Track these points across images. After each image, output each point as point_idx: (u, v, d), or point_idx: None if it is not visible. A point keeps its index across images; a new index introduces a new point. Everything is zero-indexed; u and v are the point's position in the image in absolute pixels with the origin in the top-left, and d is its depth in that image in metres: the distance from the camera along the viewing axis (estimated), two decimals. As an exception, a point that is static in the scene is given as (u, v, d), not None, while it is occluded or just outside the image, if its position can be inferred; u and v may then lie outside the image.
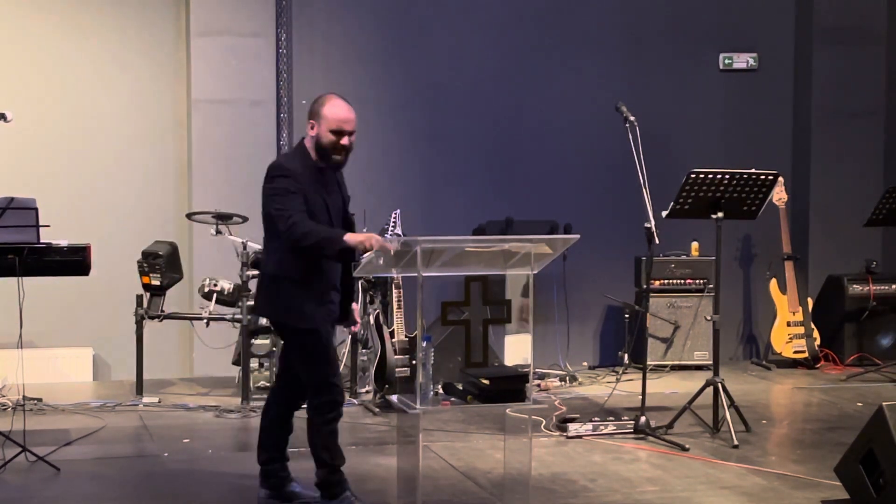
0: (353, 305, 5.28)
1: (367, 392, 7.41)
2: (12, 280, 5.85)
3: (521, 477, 5.25)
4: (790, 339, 8.71)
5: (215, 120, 8.34)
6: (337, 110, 4.97)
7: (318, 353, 5.03)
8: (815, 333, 8.75)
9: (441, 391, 4.99)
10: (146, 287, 7.42)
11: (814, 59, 9.27)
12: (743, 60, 9.34)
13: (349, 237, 4.78)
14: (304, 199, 4.88)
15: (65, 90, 8.27)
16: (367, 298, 7.36)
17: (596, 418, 6.62)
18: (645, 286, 7.27)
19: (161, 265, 7.37)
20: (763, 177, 6.54)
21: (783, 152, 9.41)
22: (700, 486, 5.52)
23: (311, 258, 4.88)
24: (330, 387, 5.01)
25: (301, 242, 4.80)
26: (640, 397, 6.62)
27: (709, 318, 7.04)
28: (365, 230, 7.50)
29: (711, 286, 8.29)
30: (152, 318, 7.44)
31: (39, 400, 7.11)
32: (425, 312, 4.81)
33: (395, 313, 7.15)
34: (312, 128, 5.00)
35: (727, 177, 6.48)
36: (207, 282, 7.49)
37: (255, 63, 8.39)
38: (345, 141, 4.97)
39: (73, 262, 6.06)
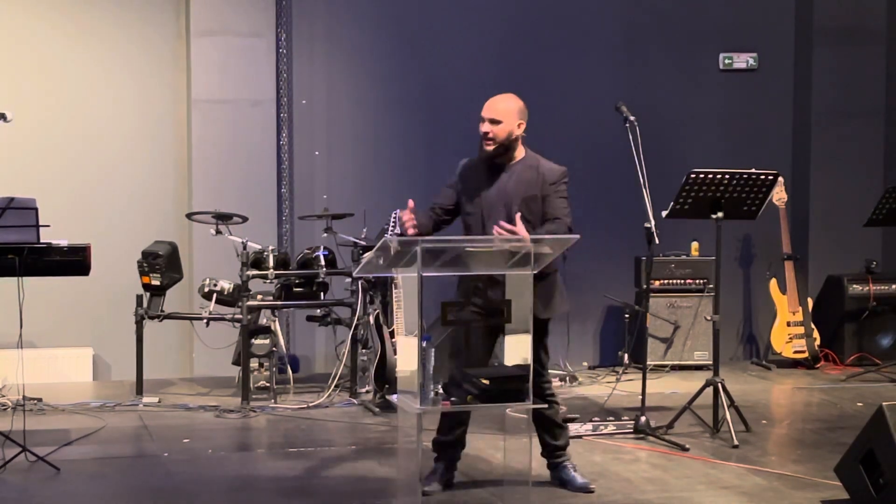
0: None
1: (367, 392, 7.41)
2: (12, 280, 5.85)
3: (521, 477, 5.25)
4: (790, 339, 8.71)
5: (215, 120, 8.34)
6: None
7: None
8: (815, 333, 8.75)
9: (441, 391, 4.99)
10: (146, 287, 7.42)
11: (814, 59, 9.27)
12: (743, 60, 9.34)
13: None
14: (456, 192, 5.36)
15: (65, 90, 8.27)
16: (367, 298, 7.36)
17: (596, 418, 6.62)
18: (645, 286, 7.26)
19: (161, 265, 7.37)
20: (763, 177, 6.54)
21: (783, 152, 9.40)
22: (700, 486, 5.52)
23: None
24: None
25: None
26: (640, 397, 6.61)
27: (709, 318, 7.04)
28: (365, 230, 7.57)
29: (711, 286, 8.29)
30: (152, 318, 7.44)
31: (39, 400, 7.11)
32: (425, 312, 4.81)
33: (395, 313, 7.15)
34: None
35: (727, 177, 6.48)
36: (207, 282, 7.49)
37: (255, 63, 8.39)
38: (483, 127, 5.29)
39: (73, 262, 6.06)
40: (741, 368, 8.86)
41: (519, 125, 5.32)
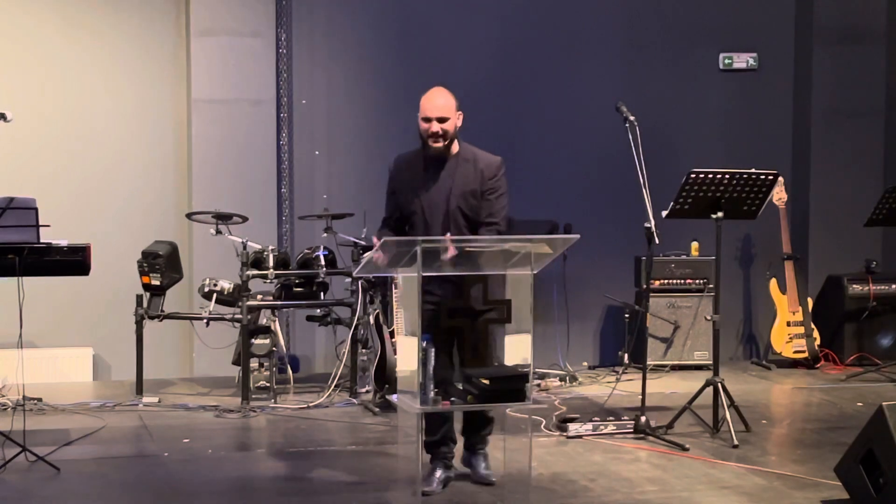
0: None
1: (367, 392, 7.41)
2: (12, 280, 5.85)
3: (521, 477, 5.25)
4: (790, 338, 8.71)
5: (215, 120, 8.34)
6: (424, 99, 5.24)
7: None
8: (815, 333, 8.75)
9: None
10: (146, 287, 7.42)
11: (814, 59, 9.27)
12: (743, 60, 9.34)
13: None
14: (395, 194, 5.34)
15: (65, 90, 8.27)
16: (367, 298, 7.36)
17: (596, 418, 6.62)
18: (645, 286, 7.26)
19: (161, 265, 7.37)
20: (763, 177, 6.54)
21: (783, 152, 9.41)
22: (700, 486, 5.52)
23: None
24: None
25: None
26: (640, 397, 6.62)
27: (709, 318, 7.04)
28: (365, 230, 7.56)
29: (711, 286, 8.29)
30: (152, 318, 7.44)
31: (39, 400, 7.11)
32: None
33: (395, 313, 7.15)
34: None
35: (727, 177, 6.48)
36: (207, 282, 7.49)
37: (255, 63, 8.40)
38: (432, 128, 5.19)
39: (73, 261, 6.06)
40: (741, 368, 8.86)
41: (459, 117, 5.32)
